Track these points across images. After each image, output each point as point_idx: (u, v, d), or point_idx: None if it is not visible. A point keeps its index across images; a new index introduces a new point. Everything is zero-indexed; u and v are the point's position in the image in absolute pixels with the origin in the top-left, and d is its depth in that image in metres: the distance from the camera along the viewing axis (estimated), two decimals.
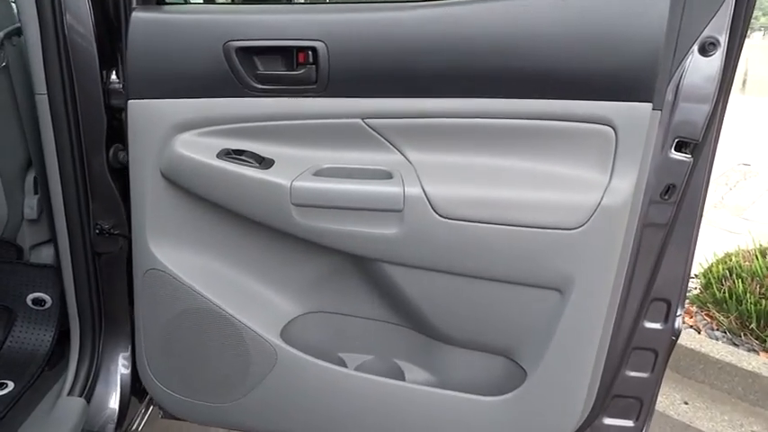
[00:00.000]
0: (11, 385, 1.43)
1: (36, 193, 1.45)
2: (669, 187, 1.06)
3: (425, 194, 1.03)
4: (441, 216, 1.03)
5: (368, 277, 1.15)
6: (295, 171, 1.08)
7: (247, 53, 1.07)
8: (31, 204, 1.45)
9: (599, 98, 1.00)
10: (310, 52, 1.05)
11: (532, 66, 1.00)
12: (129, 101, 1.11)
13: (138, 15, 1.09)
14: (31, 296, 1.52)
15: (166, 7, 1.14)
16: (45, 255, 1.52)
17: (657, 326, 1.17)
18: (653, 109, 0.99)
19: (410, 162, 1.09)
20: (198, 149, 1.09)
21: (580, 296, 1.05)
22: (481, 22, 1.01)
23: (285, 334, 1.19)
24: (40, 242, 1.51)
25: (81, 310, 1.37)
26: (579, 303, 1.06)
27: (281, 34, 1.06)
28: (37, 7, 1.12)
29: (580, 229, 1.01)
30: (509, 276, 1.05)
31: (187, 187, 1.12)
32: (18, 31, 1.29)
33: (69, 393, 1.35)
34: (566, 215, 1.01)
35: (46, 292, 1.52)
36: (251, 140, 1.12)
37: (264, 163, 1.09)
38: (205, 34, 1.07)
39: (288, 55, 1.08)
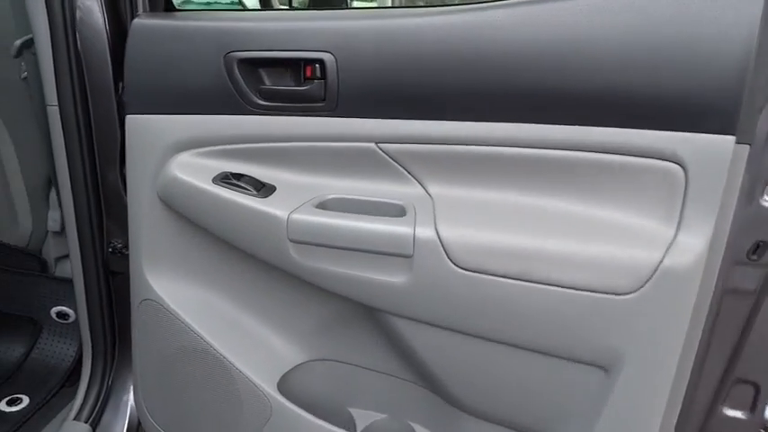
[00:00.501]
0: (25, 401, 1.40)
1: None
2: (759, 245, 0.81)
3: (439, 238, 0.85)
4: (457, 266, 0.85)
5: (377, 327, 0.99)
6: (297, 201, 0.94)
7: (250, 65, 0.94)
8: (54, 217, 1.42)
9: (665, 127, 0.78)
10: (317, 65, 0.91)
11: (581, 84, 0.80)
12: (128, 116, 1.02)
13: (139, 22, 0.99)
14: (55, 309, 1.49)
15: (175, 14, 1.04)
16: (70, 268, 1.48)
17: (740, 414, 0.92)
18: (737, 143, 0.75)
19: (430, 196, 0.92)
20: (194, 172, 0.98)
21: (631, 376, 0.83)
22: (519, 30, 0.82)
23: (284, 383, 1.05)
24: (65, 255, 1.48)
25: (93, 331, 1.31)
26: (630, 385, 0.83)
27: (285, 44, 0.93)
28: (48, 14, 1.07)
29: (633, 294, 0.79)
30: (538, 346, 0.85)
31: (182, 213, 1.01)
32: None
33: (76, 418, 1.30)
34: (615, 276, 0.79)
35: (70, 306, 1.49)
36: (252, 163, 0.99)
37: (264, 190, 0.96)
38: (205, 44, 0.96)
39: (294, 68, 0.95)
